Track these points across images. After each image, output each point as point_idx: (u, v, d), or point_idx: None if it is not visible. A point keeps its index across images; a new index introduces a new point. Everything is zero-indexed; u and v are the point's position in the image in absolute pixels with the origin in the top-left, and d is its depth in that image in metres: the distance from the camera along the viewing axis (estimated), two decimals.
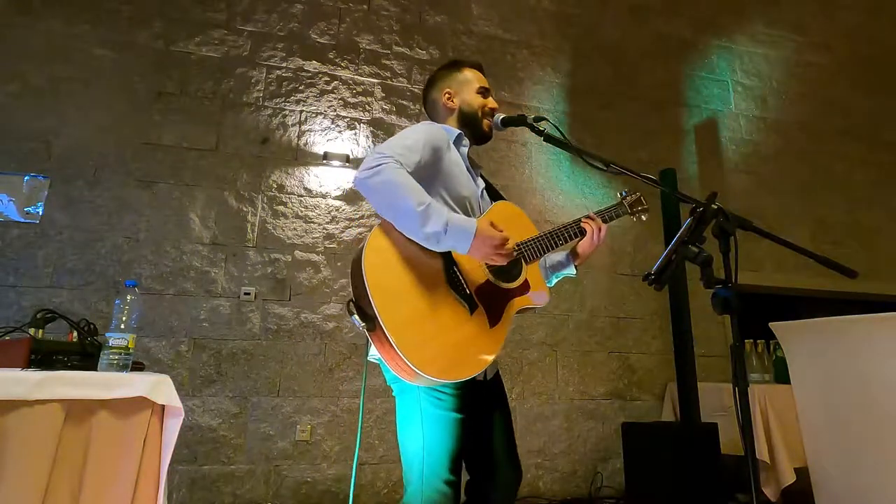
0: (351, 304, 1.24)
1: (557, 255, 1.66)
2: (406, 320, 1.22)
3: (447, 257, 1.34)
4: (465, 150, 1.54)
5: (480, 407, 1.43)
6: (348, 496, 2.96)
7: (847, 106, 4.90)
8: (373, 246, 1.27)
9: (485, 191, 1.59)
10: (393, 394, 1.40)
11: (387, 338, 1.19)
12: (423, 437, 1.30)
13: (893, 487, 1.84)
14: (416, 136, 1.39)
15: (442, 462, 1.28)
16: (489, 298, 1.35)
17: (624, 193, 1.73)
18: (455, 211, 1.40)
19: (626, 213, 1.70)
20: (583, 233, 1.55)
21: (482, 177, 1.62)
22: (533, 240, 1.45)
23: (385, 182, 1.25)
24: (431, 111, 1.65)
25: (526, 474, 3.27)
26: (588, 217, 1.58)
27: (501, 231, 1.29)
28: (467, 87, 1.59)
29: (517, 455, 1.51)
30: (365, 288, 1.21)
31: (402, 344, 1.19)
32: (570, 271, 1.65)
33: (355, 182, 1.31)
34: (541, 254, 1.46)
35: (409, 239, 1.29)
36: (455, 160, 1.47)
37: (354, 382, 3.11)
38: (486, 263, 1.36)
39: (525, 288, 1.42)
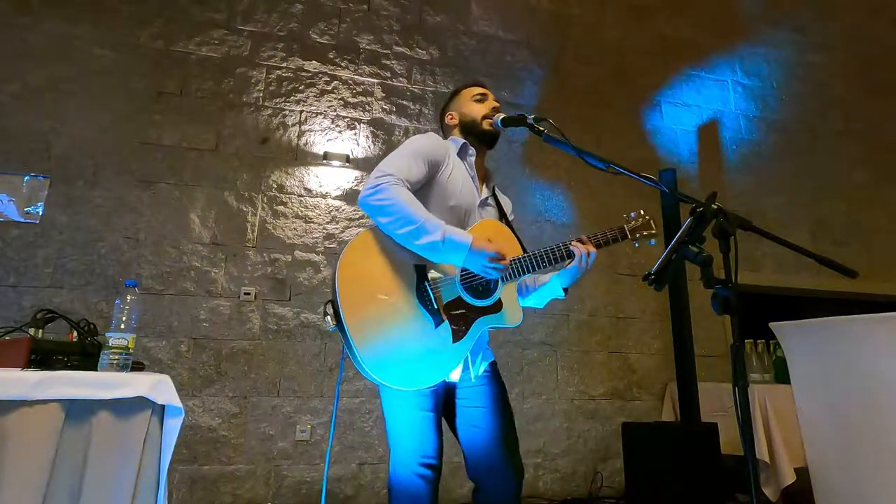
0: (327, 304, 1.34)
1: (545, 277, 1.62)
2: (370, 329, 1.30)
3: (420, 272, 1.38)
4: (471, 159, 1.58)
5: (455, 406, 1.47)
6: (348, 496, 2.96)
7: (847, 106, 4.90)
8: (347, 259, 1.36)
9: (490, 201, 1.61)
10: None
11: (351, 344, 1.29)
12: (393, 431, 1.40)
13: (893, 487, 1.84)
14: (416, 151, 1.45)
15: (410, 456, 1.35)
16: (457, 314, 1.38)
17: (632, 216, 1.62)
18: (448, 220, 1.43)
19: (627, 239, 1.59)
20: (571, 255, 1.49)
21: (494, 189, 1.66)
22: (513, 260, 1.44)
23: (386, 199, 1.32)
24: (444, 134, 1.71)
25: (525, 474, 3.27)
26: (579, 240, 1.51)
27: (495, 245, 1.34)
28: (464, 101, 1.65)
29: (513, 454, 1.46)
30: (336, 296, 1.31)
31: (364, 352, 1.29)
32: (558, 294, 1.58)
33: (359, 203, 1.37)
34: (519, 274, 1.44)
35: (386, 252, 1.36)
36: (457, 171, 1.52)
37: (354, 382, 3.11)
38: (462, 282, 1.40)
39: (497, 307, 1.43)
